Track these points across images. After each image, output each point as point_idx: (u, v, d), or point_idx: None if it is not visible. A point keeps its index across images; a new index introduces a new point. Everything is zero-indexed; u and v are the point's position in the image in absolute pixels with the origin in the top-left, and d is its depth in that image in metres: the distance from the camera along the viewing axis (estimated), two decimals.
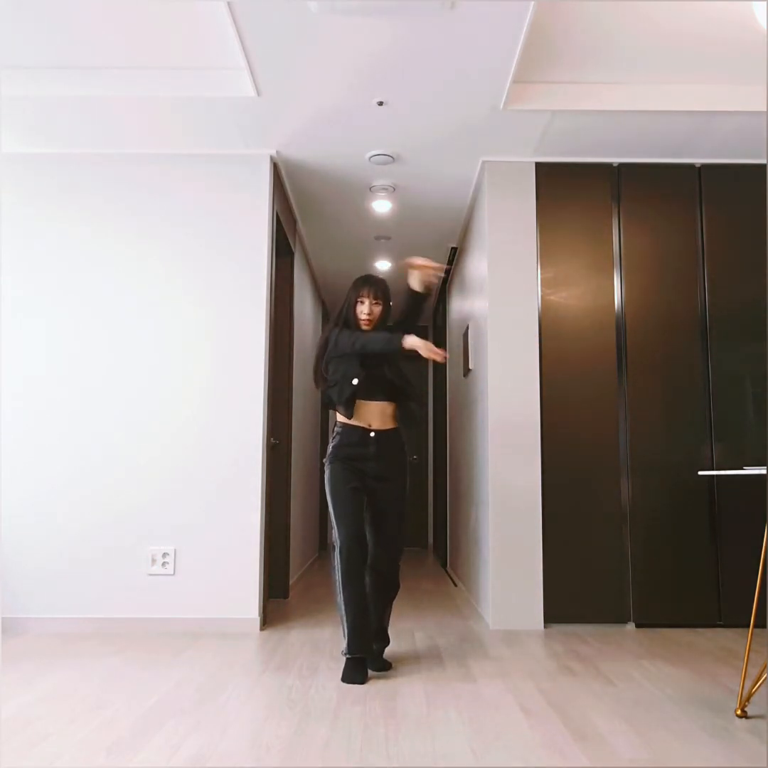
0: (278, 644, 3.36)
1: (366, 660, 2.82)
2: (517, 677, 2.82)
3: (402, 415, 3.04)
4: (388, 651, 3.08)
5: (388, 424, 3.00)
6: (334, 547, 2.95)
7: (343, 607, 2.83)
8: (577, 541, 3.73)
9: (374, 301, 2.99)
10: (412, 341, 2.81)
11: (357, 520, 2.90)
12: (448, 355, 3.04)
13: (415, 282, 3.03)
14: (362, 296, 2.99)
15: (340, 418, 3.02)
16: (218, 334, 3.81)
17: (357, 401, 2.96)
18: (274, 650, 3.25)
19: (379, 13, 2.76)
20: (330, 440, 3.08)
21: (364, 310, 2.98)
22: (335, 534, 2.93)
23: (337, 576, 2.85)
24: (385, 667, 2.91)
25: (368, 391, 2.97)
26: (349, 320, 3.01)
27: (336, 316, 3.08)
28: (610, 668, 2.96)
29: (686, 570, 3.70)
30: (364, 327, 2.99)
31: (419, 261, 3.01)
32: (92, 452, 3.72)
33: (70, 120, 3.59)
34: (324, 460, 3.05)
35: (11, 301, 3.81)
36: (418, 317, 3.12)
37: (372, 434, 2.97)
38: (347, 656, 2.80)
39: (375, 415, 2.98)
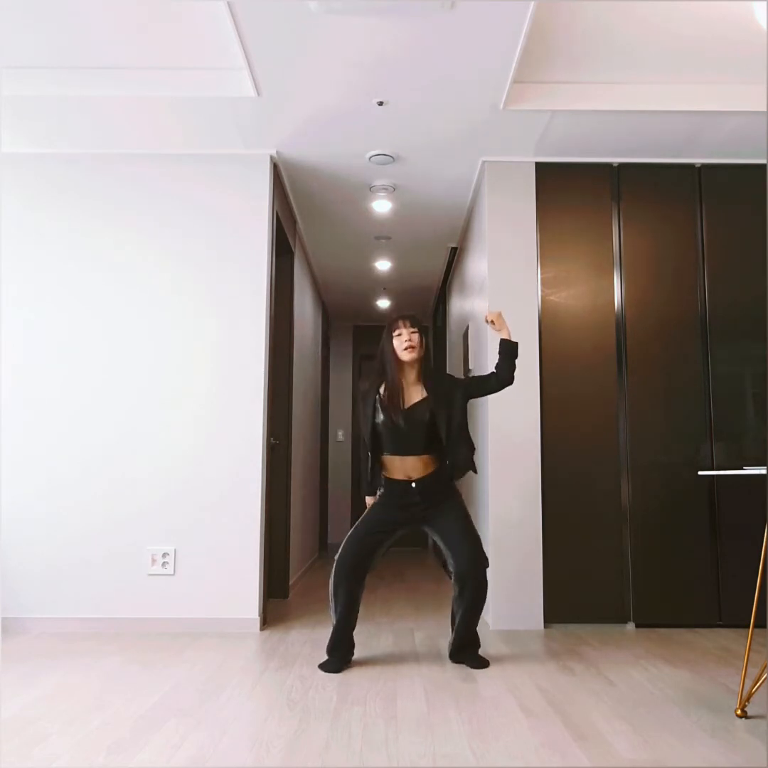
0: (278, 644, 3.36)
1: (342, 654, 2.99)
2: (517, 677, 2.82)
3: (442, 469, 3.04)
4: (388, 650, 3.08)
5: (430, 470, 3.02)
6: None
7: (332, 616, 3.03)
8: (577, 541, 3.73)
9: (412, 330, 3.02)
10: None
11: (360, 549, 2.98)
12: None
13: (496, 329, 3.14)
14: (397, 328, 3.03)
15: (384, 472, 3.06)
16: (218, 333, 3.81)
17: (393, 458, 3.02)
18: (274, 650, 3.25)
19: (379, 13, 2.76)
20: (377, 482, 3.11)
21: (404, 338, 3.00)
22: (340, 549, 3.03)
23: (331, 588, 3.01)
24: (483, 664, 2.98)
25: (404, 448, 3.00)
26: (388, 363, 3.02)
27: (376, 370, 3.10)
28: (610, 668, 2.96)
29: (686, 570, 3.70)
30: (408, 356, 3.00)
31: (491, 317, 3.13)
32: (92, 452, 3.72)
33: (70, 120, 3.59)
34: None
35: (10, 301, 3.81)
36: (503, 362, 3.10)
37: (413, 485, 3.00)
38: (327, 657, 2.99)
39: (412, 468, 3.01)
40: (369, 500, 3.13)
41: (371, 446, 3.03)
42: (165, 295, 3.83)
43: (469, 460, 3.04)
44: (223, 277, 3.84)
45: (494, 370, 3.11)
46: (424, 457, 3.01)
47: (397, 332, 3.03)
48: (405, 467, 3.00)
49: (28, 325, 3.80)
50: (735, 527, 3.70)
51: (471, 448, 3.07)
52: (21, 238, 3.86)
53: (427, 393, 3.02)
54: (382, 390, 3.04)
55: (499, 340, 3.13)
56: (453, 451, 3.00)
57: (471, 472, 3.10)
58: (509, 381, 3.08)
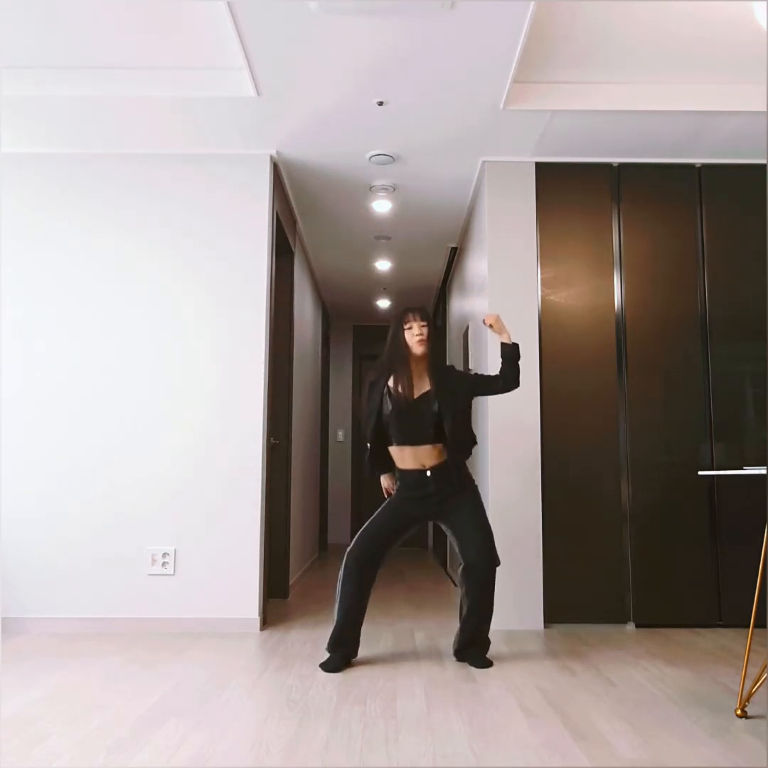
0: (278, 644, 3.36)
1: (345, 652, 2.97)
2: (517, 677, 2.82)
3: (448, 455, 3.06)
4: (388, 650, 3.08)
5: (442, 458, 3.03)
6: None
7: (336, 610, 3.01)
8: (577, 541, 3.73)
9: (421, 323, 3.05)
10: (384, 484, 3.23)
11: (372, 544, 3.00)
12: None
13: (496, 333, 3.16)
14: (408, 322, 3.06)
15: (396, 462, 3.07)
16: (218, 333, 3.81)
17: (404, 448, 3.03)
18: (274, 650, 3.25)
19: (379, 13, 2.76)
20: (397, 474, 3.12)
21: (414, 332, 3.04)
22: (352, 543, 3.05)
23: (339, 582, 3.01)
24: (486, 664, 2.97)
25: (414, 438, 3.02)
26: (399, 354, 3.05)
27: (384, 358, 3.11)
28: (610, 668, 2.96)
29: (686, 570, 3.70)
30: (418, 349, 3.04)
31: (489, 320, 3.15)
32: (92, 452, 3.72)
33: (70, 120, 3.59)
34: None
35: (11, 301, 3.81)
36: (507, 367, 3.10)
37: (428, 473, 3.01)
38: (328, 653, 2.98)
39: (425, 456, 3.02)
40: (384, 479, 3.19)
41: (373, 436, 3.03)
42: (165, 295, 3.83)
43: (468, 452, 3.08)
44: (223, 277, 3.84)
45: (500, 374, 3.11)
46: (436, 445, 3.02)
47: (407, 325, 3.06)
48: (418, 456, 3.01)
49: (28, 326, 3.80)
50: (735, 527, 3.70)
51: (473, 440, 3.09)
52: (21, 239, 3.86)
53: (432, 384, 3.04)
54: (391, 381, 3.05)
55: (499, 344, 3.13)
56: (453, 441, 3.01)
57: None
58: (515, 384, 3.09)
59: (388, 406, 3.02)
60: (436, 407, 2.99)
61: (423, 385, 3.05)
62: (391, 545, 3.03)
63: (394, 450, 3.05)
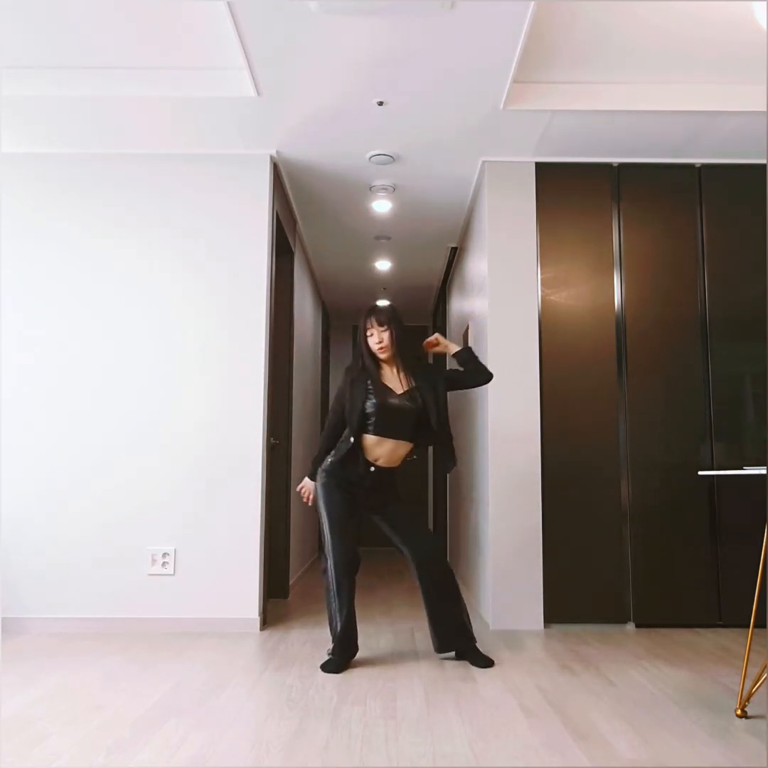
0: (278, 644, 3.36)
1: (350, 654, 2.98)
2: (517, 677, 2.82)
3: (396, 471, 3.10)
4: (388, 650, 3.07)
5: (393, 463, 3.06)
6: (325, 558, 3.04)
7: (336, 615, 2.98)
8: (577, 541, 3.73)
9: (381, 329, 3.06)
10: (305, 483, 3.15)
11: (348, 539, 3.00)
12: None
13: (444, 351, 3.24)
14: (369, 328, 3.08)
15: (365, 451, 3.04)
16: (218, 333, 3.81)
17: (376, 438, 3.02)
18: (274, 650, 3.25)
19: (379, 13, 2.76)
20: (335, 449, 3.06)
21: (374, 340, 3.06)
22: (327, 546, 3.02)
23: (333, 586, 2.99)
24: (487, 663, 2.96)
25: (392, 431, 3.02)
26: (366, 356, 3.08)
27: (355, 358, 3.16)
28: (610, 668, 2.96)
29: (686, 570, 3.70)
30: (381, 355, 3.07)
31: (431, 342, 3.24)
32: (93, 453, 3.72)
33: (70, 120, 3.59)
34: (320, 469, 3.07)
35: (10, 301, 3.81)
36: (471, 368, 3.16)
37: (371, 469, 3.02)
38: (330, 656, 2.97)
39: (385, 452, 3.03)
40: (309, 481, 3.12)
41: (357, 427, 2.99)
42: (165, 295, 3.83)
43: (451, 445, 3.11)
44: (223, 277, 3.84)
45: (465, 373, 3.16)
46: (405, 443, 3.05)
47: (369, 333, 3.08)
48: (382, 450, 3.02)
49: (29, 326, 3.80)
50: (735, 527, 3.70)
51: (451, 436, 3.13)
52: (21, 239, 3.86)
53: (415, 381, 3.07)
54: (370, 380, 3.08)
55: (451, 357, 3.21)
56: (441, 437, 3.06)
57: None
58: (485, 376, 3.16)
59: (372, 400, 3.01)
60: (419, 403, 3.02)
61: (403, 383, 3.08)
62: (356, 533, 3.05)
63: (368, 438, 3.01)
